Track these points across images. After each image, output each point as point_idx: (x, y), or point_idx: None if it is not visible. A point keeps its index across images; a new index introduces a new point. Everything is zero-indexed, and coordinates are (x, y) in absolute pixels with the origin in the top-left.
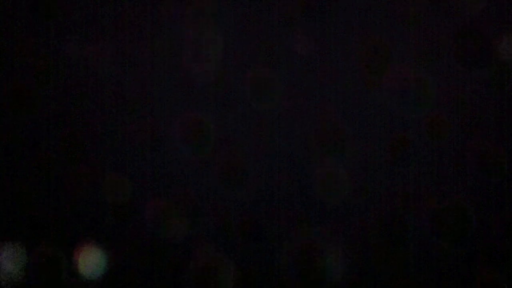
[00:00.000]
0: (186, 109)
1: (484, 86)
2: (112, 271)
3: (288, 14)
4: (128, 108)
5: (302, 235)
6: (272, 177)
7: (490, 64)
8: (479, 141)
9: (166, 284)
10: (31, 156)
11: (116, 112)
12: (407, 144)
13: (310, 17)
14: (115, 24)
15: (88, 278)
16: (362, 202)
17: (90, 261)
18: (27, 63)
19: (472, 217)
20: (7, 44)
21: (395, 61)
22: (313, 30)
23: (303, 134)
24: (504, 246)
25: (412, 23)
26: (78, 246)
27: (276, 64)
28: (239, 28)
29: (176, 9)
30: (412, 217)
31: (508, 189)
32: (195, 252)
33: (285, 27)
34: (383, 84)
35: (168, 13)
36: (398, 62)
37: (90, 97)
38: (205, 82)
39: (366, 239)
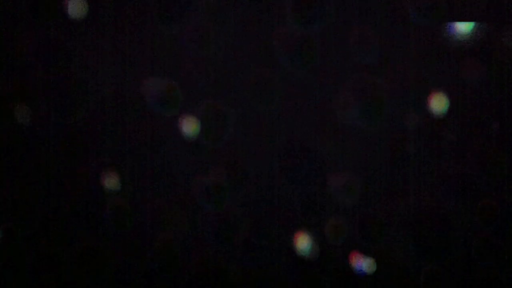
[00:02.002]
0: (185, 108)
1: (484, 86)
2: (112, 271)
3: (288, 14)
4: (128, 108)
5: (303, 234)
6: (272, 177)
7: (490, 64)
8: (479, 141)
9: (166, 284)
10: (31, 156)
11: (116, 112)
12: (407, 144)
13: (310, 17)
14: (115, 24)
15: None
16: (362, 202)
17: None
18: (27, 62)
19: (472, 216)
20: (7, 44)
21: (395, 60)
22: (313, 29)
23: (303, 133)
24: (505, 246)
25: (412, 23)
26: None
27: (276, 64)
28: (239, 28)
29: (176, 8)
30: (412, 217)
31: (508, 188)
32: (195, 252)
33: (284, 26)
34: (383, 84)
35: (168, 13)
36: (398, 62)
37: (90, 97)
38: (205, 82)
39: (366, 239)
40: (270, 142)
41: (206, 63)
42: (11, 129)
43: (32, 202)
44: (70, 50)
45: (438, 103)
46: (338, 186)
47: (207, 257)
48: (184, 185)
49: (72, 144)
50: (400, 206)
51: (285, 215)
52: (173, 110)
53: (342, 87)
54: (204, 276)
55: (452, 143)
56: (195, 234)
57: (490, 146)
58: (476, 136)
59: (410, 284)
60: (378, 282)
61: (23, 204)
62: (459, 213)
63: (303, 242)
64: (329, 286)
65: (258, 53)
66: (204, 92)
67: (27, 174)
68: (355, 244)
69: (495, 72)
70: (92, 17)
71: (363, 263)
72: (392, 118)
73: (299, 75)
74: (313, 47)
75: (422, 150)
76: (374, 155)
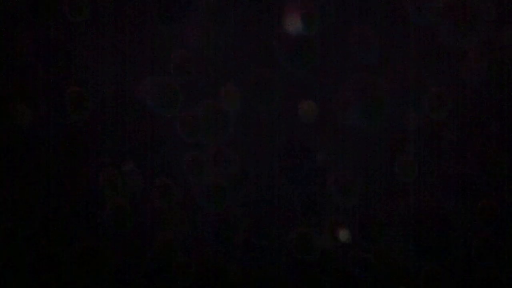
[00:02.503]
0: (185, 108)
1: (484, 86)
2: (112, 271)
3: (288, 14)
4: (128, 108)
5: (302, 234)
6: (272, 177)
7: (490, 64)
8: (479, 141)
9: (166, 284)
10: (31, 156)
11: (116, 112)
12: (407, 144)
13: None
14: (115, 24)
15: None
16: (362, 202)
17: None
18: (27, 62)
19: (471, 216)
20: (7, 44)
21: (395, 60)
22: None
23: (303, 133)
24: (505, 246)
25: (412, 23)
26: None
27: (276, 64)
28: (239, 28)
29: (176, 8)
30: (412, 217)
31: (508, 188)
32: (195, 252)
33: (284, 26)
34: (383, 84)
35: (168, 13)
36: (398, 62)
37: (90, 97)
38: (205, 82)
39: (366, 239)
40: (270, 142)
41: (206, 63)
42: (11, 129)
43: (32, 202)
44: (70, 50)
45: None
46: (338, 186)
47: (207, 257)
48: (184, 185)
49: (72, 144)
50: (400, 206)
51: (285, 215)
52: (172, 110)
53: (342, 87)
54: (204, 276)
55: (452, 143)
56: (195, 234)
57: (490, 146)
58: (476, 136)
59: (410, 284)
60: (378, 282)
61: (23, 204)
62: (459, 213)
63: None
64: (329, 286)
65: (258, 53)
66: (204, 92)
67: (27, 174)
68: (355, 244)
69: (495, 72)
70: (92, 17)
71: None
72: (392, 118)
73: (299, 75)
74: (313, 47)
75: (422, 150)
76: (374, 155)
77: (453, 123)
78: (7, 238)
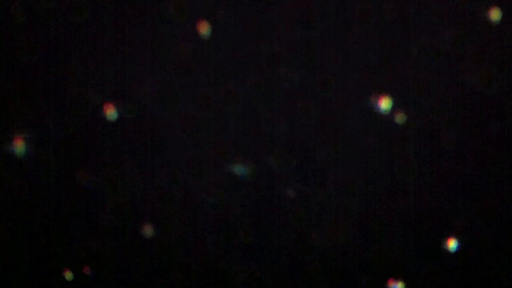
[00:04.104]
0: (185, 108)
1: (484, 86)
2: (112, 271)
3: (289, 14)
4: (128, 108)
5: (302, 235)
6: (272, 177)
7: (490, 64)
8: (479, 141)
9: (166, 284)
10: (31, 156)
11: (116, 112)
12: (407, 144)
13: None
14: (115, 24)
15: None
16: (362, 201)
17: None
18: (27, 62)
19: (470, 214)
20: (7, 44)
21: (395, 60)
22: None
23: (303, 133)
24: (505, 246)
25: (411, 23)
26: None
27: (276, 64)
28: (239, 28)
29: (177, 8)
30: (412, 217)
31: (508, 188)
32: (195, 252)
33: (284, 27)
34: (383, 84)
35: (169, 12)
36: (398, 62)
37: (90, 97)
38: (205, 81)
39: (366, 239)
40: (270, 142)
41: (206, 63)
42: (11, 129)
43: (32, 202)
44: (70, 50)
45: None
46: (338, 186)
47: (207, 257)
48: (184, 185)
49: (72, 144)
50: (400, 206)
51: (285, 215)
52: (172, 110)
53: (342, 87)
54: (204, 276)
55: (452, 143)
56: (195, 234)
57: (490, 146)
58: (476, 136)
59: (410, 284)
60: (378, 282)
61: (23, 204)
62: (459, 213)
63: None
64: (329, 286)
65: (258, 53)
66: (204, 92)
67: (27, 174)
68: (355, 244)
69: (495, 72)
70: (92, 17)
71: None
72: (392, 118)
73: (299, 75)
74: (313, 47)
75: (422, 150)
76: (374, 155)
77: (453, 123)
78: (7, 238)
